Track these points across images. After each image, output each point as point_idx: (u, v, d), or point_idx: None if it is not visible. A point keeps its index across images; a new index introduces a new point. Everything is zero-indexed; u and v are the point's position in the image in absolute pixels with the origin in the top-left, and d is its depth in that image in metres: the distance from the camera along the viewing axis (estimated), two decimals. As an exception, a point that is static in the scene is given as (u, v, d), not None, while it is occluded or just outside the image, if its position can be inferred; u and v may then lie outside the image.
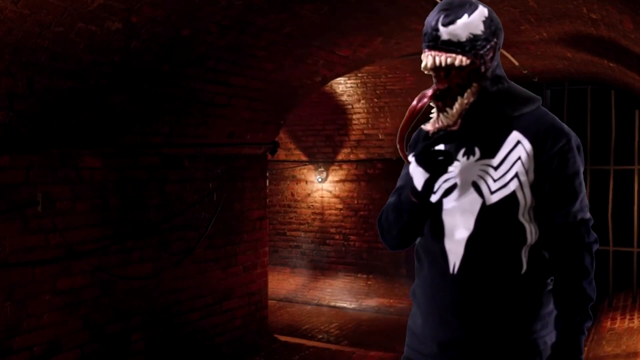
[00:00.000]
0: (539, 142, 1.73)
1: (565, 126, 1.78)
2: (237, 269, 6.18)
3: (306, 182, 10.22)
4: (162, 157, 5.27)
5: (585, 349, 6.67)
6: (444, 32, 1.72)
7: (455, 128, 1.78)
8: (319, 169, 9.97)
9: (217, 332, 5.92)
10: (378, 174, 9.60)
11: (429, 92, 1.77)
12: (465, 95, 1.76)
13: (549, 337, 1.77)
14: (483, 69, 1.75)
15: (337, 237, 9.98)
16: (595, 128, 9.13)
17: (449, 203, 1.80)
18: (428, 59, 1.75)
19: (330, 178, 9.95)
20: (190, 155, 5.54)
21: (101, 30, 3.88)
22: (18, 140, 4.06)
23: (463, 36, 1.72)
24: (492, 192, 1.74)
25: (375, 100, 8.97)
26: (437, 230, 1.82)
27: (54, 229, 4.32)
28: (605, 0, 4.42)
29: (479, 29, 1.73)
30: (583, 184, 1.77)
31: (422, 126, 1.85)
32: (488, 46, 1.74)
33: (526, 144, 1.74)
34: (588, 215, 1.77)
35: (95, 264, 4.64)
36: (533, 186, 1.73)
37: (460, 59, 1.72)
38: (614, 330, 6.92)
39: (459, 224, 1.77)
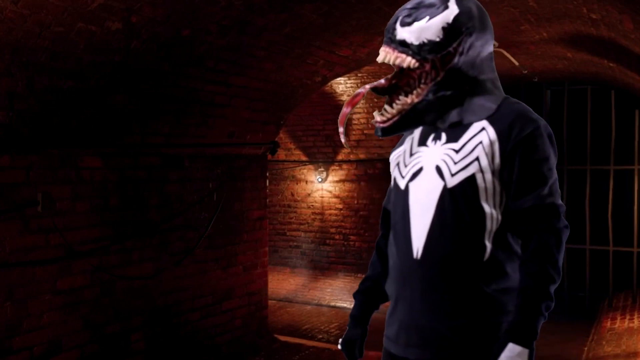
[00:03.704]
0: (505, 130, 1.73)
1: (534, 114, 1.78)
2: (237, 269, 6.18)
3: (306, 182, 10.22)
4: (162, 157, 5.27)
5: (585, 349, 6.68)
6: (400, 32, 1.76)
7: (385, 125, 1.80)
8: (319, 169, 9.97)
9: (217, 332, 5.92)
10: (378, 174, 9.60)
11: (368, 86, 1.81)
12: (410, 96, 1.78)
13: None
14: (434, 73, 1.76)
15: (337, 237, 9.98)
16: (595, 128, 9.13)
17: (414, 187, 1.82)
18: (381, 54, 1.79)
19: (330, 178, 9.95)
20: (190, 155, 5.54)
21: (101, 30, 3.88)
22: (18, 140, 4.06)
23: (416, 40, 1.74)
24: (452, 175, 1.74)
25: (375, 100, 8.97)
26: (404, 215, 1.83)
27: (54, 229, 4.32)
28: (605, 0, 4.42)
29: (435, 35, 1.73)
30: (553, 170, 1.76)
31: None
32: (441, 53, 1.74)
33: (490, 131, 1.74)
34: (559, 201, 1.75)
35: (95, 264, 4.64)
36: (499, 173, 1.73)
37: (408, 61, 1.74)
38: (614, 330, 6.92)
39: (422, 208, 1.78)
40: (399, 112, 1.79)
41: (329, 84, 8.20)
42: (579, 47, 6.52)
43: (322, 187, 10.02)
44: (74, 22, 3.69)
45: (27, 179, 4.18)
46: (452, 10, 1.75)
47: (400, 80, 1.80)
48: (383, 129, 1.82)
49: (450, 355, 1.74)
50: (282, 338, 6.74)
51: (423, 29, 1.74)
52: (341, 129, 1.85)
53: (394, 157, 1.97)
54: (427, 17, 1.74)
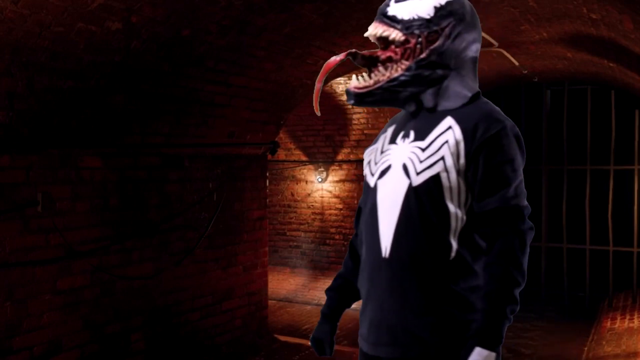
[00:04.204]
0: (470, 130, 1.73)
1: (501, 115, 1.78)
2: (237, 269, 6.18)
3: (306, 182, 10.22)
4: (162, 157, 5.27)
5: (585, 349, 6.68)
6: (393, 8, 1.83)
7: (359, 91, 1.83)
8: (319, 169, 9.97)
9: (217, 332, 5.92)
10: (378, 174, 9.57)
11: (346, 52, 1.86)
12: (389, 70, 1.82)
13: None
14: (418, 51, 1.79)
15: (337, 237, 9.98)
16: (595, 128, 9.14)
17: (382, 185, 1.83)
18: (370, 28, 1.86)
19: (330, 178, 9.95)
20: (190, 155, 5.54)
21: (101, 30, 3.88)
22: (18, 140, 4.06)
23: (407, 15, 1.80)
24: (417, 173, 1.74)
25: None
26: (373, 213, 1.83)
27: (54, 229, 4.32)
28: (605, 0, 4.42)
29: (427, 12, 1.79)
30: (519, 171, 1.75)
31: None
32: (428, 30, 1.78)
33: (457, 130, 1.75)
34: (524, 203, 1.75)
35: (95, 264, 4.64)
36: (464, 173, 1.73)
37: (395, 34, 1.80)
38: (614, 330, 6.92)
39: (389, 206, 1.78)
40: (376, 82, 1.82)
41: (329, 84, 8.20)
42: (579, 47, 6.53)
43: (322, 187, 10.02)
44: (74, 22, 3.69)
45: (27, 179, 4.18)
46: None
47: (383, 54, 1.85)
48: (356, 95, 1.84)
49: (419, 353, 1.74)
50: (282, 338, 6.74)
51: (415, 5, 1.80)
52: (317, 92, 1.87)
53: (367, 155, 1.98)
54: None
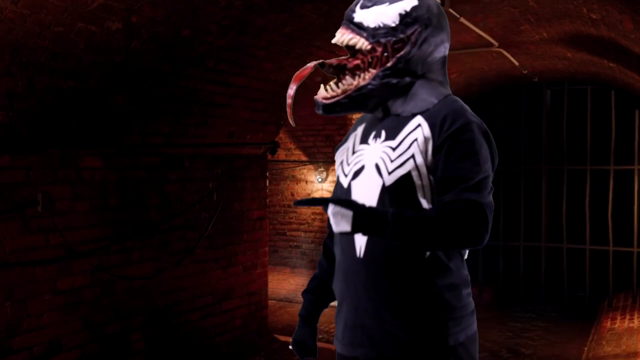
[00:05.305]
0: (437, 126, 1.72)
1: (468, 112, 1.76)
2: (237, 269, 6.19)
3: (306, 182, 10.22)
4: (162, 157, 5.27)
5: (585, 349, 6.68)
6: (358, 14, 1.82)
7: (327, 102, 1.83)
8: (319, 169, 9.97)
9: (217, 332, 5.92)
10: (378, 174, 9.57)
11: (315, 62, 1.86)
12: (357, 79, 1.81)
13: (462, 334, 1.74)
14: (385, 59, 1.78)
15: (337, 237, 9.98)
16: (595, 128, 9.14)
17: (356, 185, 1.82)
18: (337, 35, 1.85)
19: (330, 178, 9.95)
20: (190, 155, 5.54)
21: (101, 30, 3.88)
22: (18, 140, 4.06)
23: (372, 22, 1.79)
24: (389, 173, 1.73)
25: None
26: None
27: (54, 229, 4.32)
28: (605, 0, 4.42)
29: (392, 20, 1.78)
30: (483, 167, 1.68)
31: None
32: (394, 39, 1.77)
33: (425, 127, 1.74)
34: (484, 199, 1.66)
35: (95, 264, 4.64)
36: (431, 168, 1.71)
37: (362, 43, 1.79)
38: (614, 330, 6.92)
39: None
40: (344, 92, 1.82)
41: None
42: (579, 47, 6.53)
43: (322, 187, 10.02)
44: (74, 22, 3.69)
45: (27, 179, 4.18)
46: (412, 0, 1.79)
47: (350, 62, 1.84)
48: (324, 105, 1.84)
49: (395, 353, 1.73)
50: (282, 338, 6.74)
51: (381, 13, 1.79)
52: (289, 101, 1.87)
53: (338, 155, 1.97)
54: (387, 3, 1.79)
